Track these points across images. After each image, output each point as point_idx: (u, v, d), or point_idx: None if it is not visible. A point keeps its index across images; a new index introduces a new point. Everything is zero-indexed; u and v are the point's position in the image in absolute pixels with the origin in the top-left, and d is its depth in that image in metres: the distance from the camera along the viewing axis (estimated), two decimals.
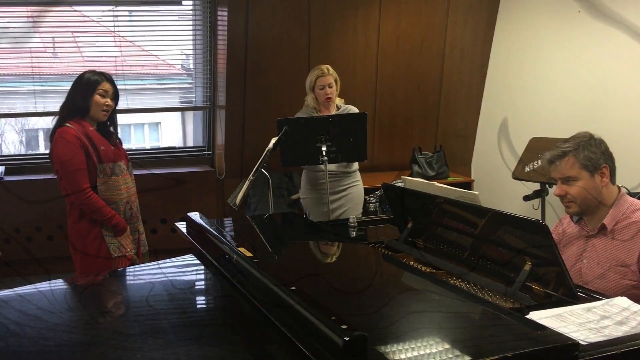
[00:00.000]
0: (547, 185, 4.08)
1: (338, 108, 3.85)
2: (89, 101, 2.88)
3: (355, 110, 3.86)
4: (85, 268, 2.93)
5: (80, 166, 2.83)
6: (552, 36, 4.60)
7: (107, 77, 2.96)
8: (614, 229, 2.12)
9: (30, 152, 6.47)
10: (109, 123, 3.03)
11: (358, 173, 3.95)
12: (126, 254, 2.96)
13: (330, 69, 3.78)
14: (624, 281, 2.07)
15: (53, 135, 2.92)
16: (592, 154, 2.11)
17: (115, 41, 4.83)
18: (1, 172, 4.62)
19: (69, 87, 2.98)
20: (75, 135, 2.84)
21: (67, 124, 2.88)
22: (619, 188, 2.19)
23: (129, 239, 2.98)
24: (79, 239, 2.93)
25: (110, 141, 3.00)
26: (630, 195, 2.23)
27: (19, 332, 1.64)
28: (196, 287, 2.15)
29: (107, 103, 2.92)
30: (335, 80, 3.79)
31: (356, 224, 2.75)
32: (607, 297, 1.86)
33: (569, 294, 1.80)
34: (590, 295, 1.88)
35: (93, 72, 2.96)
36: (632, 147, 3.81)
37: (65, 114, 2.92)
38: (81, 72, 2.98)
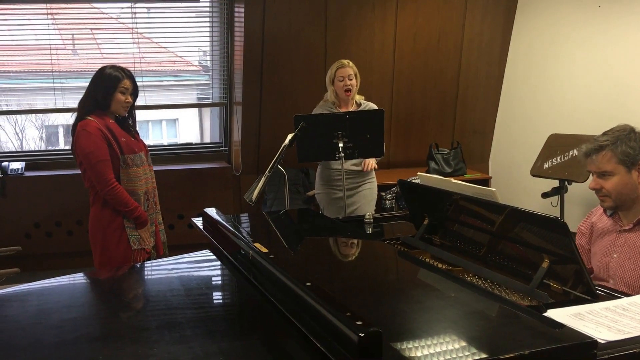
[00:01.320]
0: (565, 182, 4.03)
1: (359, 105, 3.83)
2: (110, 99, 2.91)
3: (374, 107, 3.84)
4: (104, 259, 2.96)
5: (104, 157, 2.86)
6: (571, 31, 4.54)
7: (128, 74, 2.97)
8: None
9: (50, 148, 6.56)
10: (127, 115, 3.06)
11: (373, 172, 3.93)
12: (145, 247, 2.99)
13: (351, 63, 3.79)
14: None
15: (75, 129, 2.95)
16: (631, 149, 2.07)
17: (133, 38, 4.88)
18: (22, 168, 4.69)
19: (89, 82, 3.00)
20: (97, 127, 2.87)
21: (89, 117, 2.90)
22: None
23: (148, 232, 3.02)
24: (100, 229, 2.96)
25: (129, 133, 3.03)
26: None
27: (38, 325, 1.66)
28: (212, 282, 2.16)
29: (127, 100, 2.96)
30: (356, 75, 3.78)
31: (372, 220, 2.74)
32: (627, 295, 1.84)
33: (588, 292, 1.78)
34: (610, 294, 1.86)
35: (113, 67, 2.96)
36: None
37: (86, 108, 2.94)
38: (101, 67, 3.00)
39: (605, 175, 2.11)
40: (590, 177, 2.21)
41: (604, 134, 2.14)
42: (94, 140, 2.85)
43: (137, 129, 3.19)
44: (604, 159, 2.10)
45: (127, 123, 3.07)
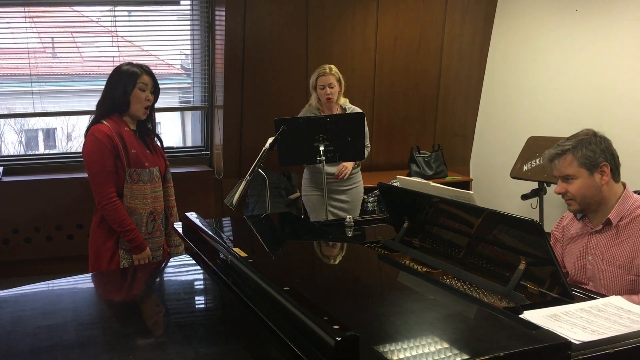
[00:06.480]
0: (545, 184, 4.08)
1: (344, 109, 3.83)
2: (128, 96, 2.66)
3: (359, 111, 3.85)
4: (97, 266, 2.74)
5: (108, 169, 2.61)
6: (549, 35, 4.60)
7: (146, 70, 2.72)
8: (618, 225, 2.12)
9: (29, 152, 6.48)
10: (147, 119, 2.80)
11: (360, 174, 3.98)
12: None
13: (334, 68, 3.76)
14: (629, 276, 2.07)
15: (87, 132, 2.69)
16: (591, 152, 2.10)
17: (114, 41, 4.84)
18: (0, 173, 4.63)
19: (105, 84, 2.73)
20: (108, 134, 2.61)
21: (103, 122, 2.65)
22: (623, 185, 2.17)
23: (146, 259, 2.70)
24: (95, 242, 2.73)
25: (148, 144, 2.78)
26: None
27: (12, 333, 1.64)
28: (191, 288, 2.15)
29: (147, 98, 2.70)
30: (339, 81, 3.76)
31: (353, 223, 2.75)
32: (603, 296, 1.87)
33: (564, 293, 1.80)
34: (585, 295, 1.88)
35: (130, 64, 2.73)
36: (631, 145, 3.80)
37: (103, 111, 2.68)
38: (118, 65, 2.75)
39: (569, 179, 2.14)
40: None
41: (568, 138, 2.17)
42: (100, 149, 2.60)
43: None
44: (566, 163, 2.13)
45: (147, 128, 2.81)
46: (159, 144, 2.88)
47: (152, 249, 2.74)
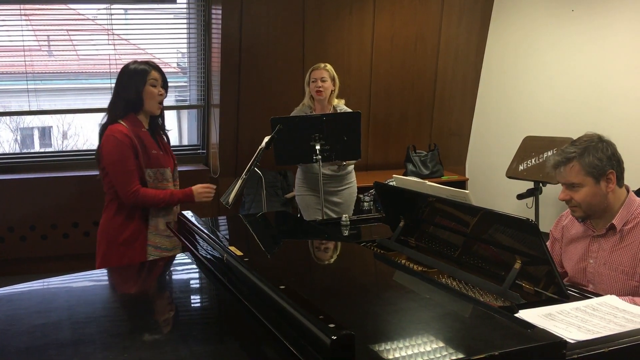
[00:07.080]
0: (540, 184, 4.09)
1: (336, 109, 3.81)
2: (141, 94, 2.66)
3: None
4: (106, 263, 2.72)
5: (130, 167, 2.62)
6: (546, 35, 4.61)
7: (154, 65, 2.73)
8: (622, 230, 2.08)
9: (25, 150, 6.46)
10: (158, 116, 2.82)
11: (353, 174, 3.95)
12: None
13: (328, 65, 3.77)
14: (632, 282, 2.05)
15: (103, 132, 2.69)
16: (598, 160, 2.04)
17: (110, 39, 4.83)
18: None
19: (115, 85, 2.75)
20: (127, 135, 2.62)
21: (120, 122, 2.66)
22: (627, 189, 2.14)
23: (203, 194, 2.79)
24: (104, 239, 2.71)
25: (159, 143, 2.79)
26: None
27: (6, 332, 1.63)
28: (187, 286, 2.15)
29: (160, 94, 2.71)
30: (332, 79, 3.76)
31: (349, 222, 2.75)
32: (598, 295, 1.87)
33: (559, 292, 1.80)
34: (581, 294, 1.89)
35: (136, 62, 2.73)
36: (628, 145, 3.81)
37: (118, 111, 2.68)
38: (124, 65, 2.75)
39: (574, 187, 2.09)
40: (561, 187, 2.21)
41: (572, 144, 2.11)
42: (121, 149, 2.61)
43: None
44: (572, 171, 2.08)
45: (158, 125, 2.82)
46: (166, 141, 2.89)
47: (172, 247, 2.74)
